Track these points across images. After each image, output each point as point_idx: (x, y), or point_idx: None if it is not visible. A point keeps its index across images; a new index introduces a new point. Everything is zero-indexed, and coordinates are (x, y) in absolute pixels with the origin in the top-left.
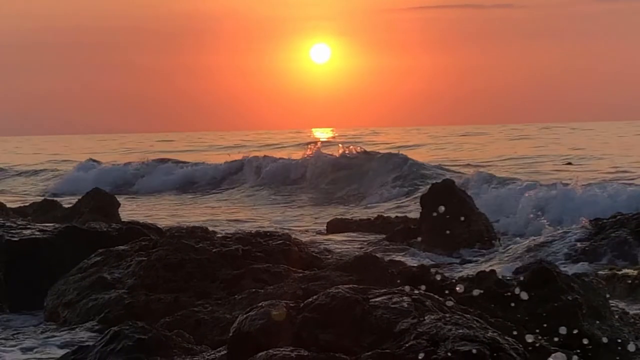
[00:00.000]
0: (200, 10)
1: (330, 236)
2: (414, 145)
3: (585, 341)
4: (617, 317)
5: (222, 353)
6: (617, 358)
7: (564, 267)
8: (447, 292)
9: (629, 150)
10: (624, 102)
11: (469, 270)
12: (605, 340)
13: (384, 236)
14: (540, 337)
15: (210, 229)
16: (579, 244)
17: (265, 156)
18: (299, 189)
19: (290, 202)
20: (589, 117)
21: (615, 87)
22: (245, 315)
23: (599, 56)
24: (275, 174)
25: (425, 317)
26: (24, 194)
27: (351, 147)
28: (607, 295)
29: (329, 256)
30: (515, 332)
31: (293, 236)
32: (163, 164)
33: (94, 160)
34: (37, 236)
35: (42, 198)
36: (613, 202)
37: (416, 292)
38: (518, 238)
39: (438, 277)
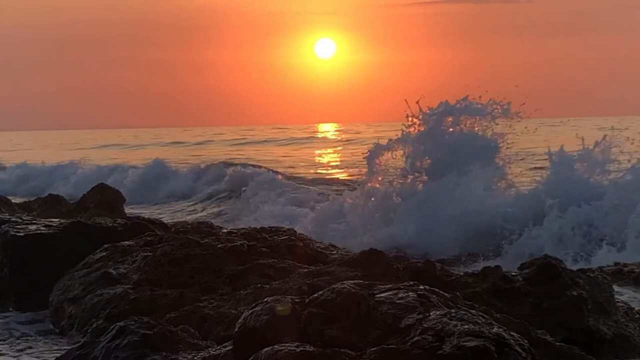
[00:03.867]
0: (206, 5)
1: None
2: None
3: (590, 337)
4: (622, 312)
5: (228, 348)
6: (622, 354)
7: (569, 262)
8: (452, 287)
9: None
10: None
11: (475, 265)
12: (610, 335)
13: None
14: (545, 333)
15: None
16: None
17: None
18: None
19: None
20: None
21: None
22: (250, 311)
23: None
24: None
25: (431, 313)
26: None
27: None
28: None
29: (334, 251)
30: (521, 328)
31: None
32: None
33: None
34: (43, 231)
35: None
36: None
37: (422, 287)
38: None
39: (443, 273)
